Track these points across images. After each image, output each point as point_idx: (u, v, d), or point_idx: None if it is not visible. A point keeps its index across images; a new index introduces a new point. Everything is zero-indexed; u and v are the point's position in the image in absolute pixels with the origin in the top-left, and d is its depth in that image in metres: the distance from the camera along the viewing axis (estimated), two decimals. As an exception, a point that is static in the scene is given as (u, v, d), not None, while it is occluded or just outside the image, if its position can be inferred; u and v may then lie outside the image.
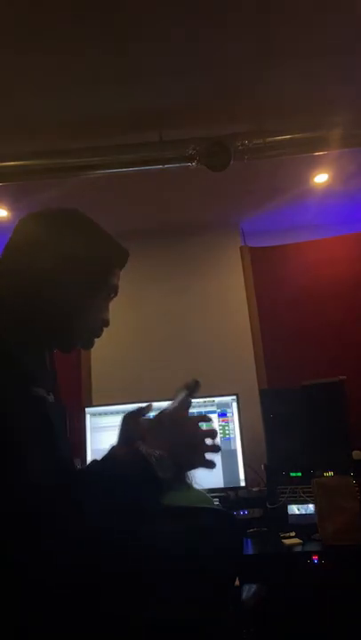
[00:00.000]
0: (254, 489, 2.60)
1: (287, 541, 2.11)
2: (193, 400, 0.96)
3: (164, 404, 0.97)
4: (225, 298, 3.26)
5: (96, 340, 1.04)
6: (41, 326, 0.95)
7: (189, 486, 1.70)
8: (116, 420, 1.23)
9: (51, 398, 0.93)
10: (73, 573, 0.74)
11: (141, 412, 1.01)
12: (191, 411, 0.96)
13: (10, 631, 0.71)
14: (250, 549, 2.12)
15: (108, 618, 0.84)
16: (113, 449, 0.88)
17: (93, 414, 2.64)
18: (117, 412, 2.54)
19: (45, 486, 0.73)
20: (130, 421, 0.99)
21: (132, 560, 0.83)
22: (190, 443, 0.87)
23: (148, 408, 1.03)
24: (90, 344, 1.03)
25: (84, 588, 0.78)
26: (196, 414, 0.95)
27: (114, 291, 1.05)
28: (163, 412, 0.92)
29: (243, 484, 2.54)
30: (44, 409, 0.87)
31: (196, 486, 1.73)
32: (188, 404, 0.94)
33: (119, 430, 1.00)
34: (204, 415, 0.96)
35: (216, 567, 1.29)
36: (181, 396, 0.95)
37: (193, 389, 0.97)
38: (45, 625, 0.73)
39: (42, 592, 0.72)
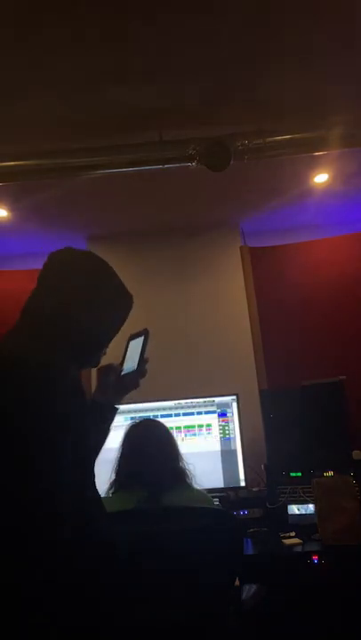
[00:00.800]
0: (254, 489, 2.60)
1: (287, 541, 2.11)
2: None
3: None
4: (225, 298, 3.26)
5: None
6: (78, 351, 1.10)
7: (189, 486, 1.70)
8: (117, 420, 1.26)
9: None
10: (73, 574, 0.74)
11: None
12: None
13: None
14: (250, 549, 2.12)
15: (107, 618, 0.84)
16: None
17: (93, 414, 2.64)
18: (117, 412, 2.54)
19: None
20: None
21: (132, 560, 0.83)
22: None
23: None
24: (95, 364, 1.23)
25: (83, 589, 0.78)
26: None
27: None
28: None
29: (243, 484, 2.54)
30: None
31: (196, 486, 1.73)
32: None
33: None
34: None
35: (216, 567, 1.29)
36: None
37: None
38: (46, 625, 0.73)
39: (42, 591, 0.72)
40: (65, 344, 1.04)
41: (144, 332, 1.24)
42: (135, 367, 1.22)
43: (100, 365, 1.25)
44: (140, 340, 1.24)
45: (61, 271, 1.13)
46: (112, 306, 1.16)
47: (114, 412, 1.29)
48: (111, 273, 1.17)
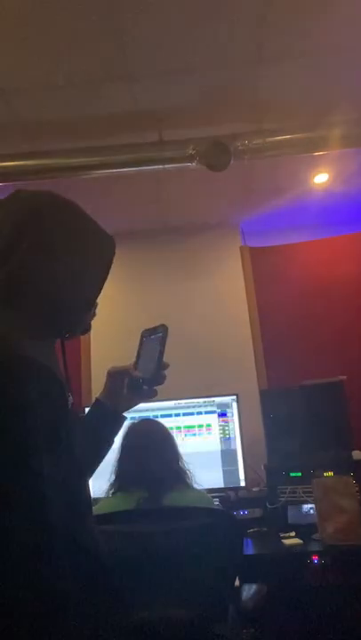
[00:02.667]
0: (254, 489, 2.60)
1: (287, 541, 2.11)
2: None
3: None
4: (225, 298, 3.26)
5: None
6: (56, 315, 0.89)
7: (189, 486, 1.70)
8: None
9: (71, 399, 0.91)
10: (70, 568, 0.74)
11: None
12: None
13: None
14: (250, 549, 2.12)
15: (107, 617, 0.84)
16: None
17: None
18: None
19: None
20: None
21: (132, 560, 0.83)
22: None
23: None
24: (88, 329, 1.01)
25: (82, 587, 0.78)
26: None
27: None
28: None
29: (243, 484, 2.54)
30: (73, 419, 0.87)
31: (196, 486, 1.73)
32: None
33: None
34: None
35: (216, 567, 1.29)
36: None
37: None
38: (45, 625, 0.72)
39: (42, 591, 0.72)
40: (25, 312, 0.84)
41: (162, 330, 1.02)
42: (152, 372, 1.00)
43: (112, 367, 1.08)
44: (158, 338, 1.02)
45: (12, 216, 0.87)
46: (90, 247, 0.92)
47: (121, 421, 1.09)
48: (77, 208, 0.94)
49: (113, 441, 1.09)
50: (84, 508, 0.84)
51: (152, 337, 1.05)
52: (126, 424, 1.91)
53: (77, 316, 0.94)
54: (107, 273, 0.95)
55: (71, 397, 0.90)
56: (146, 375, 1.01)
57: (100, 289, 0.95)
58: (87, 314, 0.96)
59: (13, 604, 0.67)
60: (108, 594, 0.83)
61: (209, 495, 1.80)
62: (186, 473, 1.73)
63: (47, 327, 0.88)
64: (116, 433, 1.09)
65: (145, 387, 1.01)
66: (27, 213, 0.88)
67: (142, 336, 1.07)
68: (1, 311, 0.84)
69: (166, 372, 1.01)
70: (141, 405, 1.13)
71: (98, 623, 0.80)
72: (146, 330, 1.07)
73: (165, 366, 1.00)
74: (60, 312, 0.88)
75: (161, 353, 1.00)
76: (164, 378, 1.01)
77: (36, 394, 0.73)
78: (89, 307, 0.95)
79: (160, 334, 1.02)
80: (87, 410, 1.10)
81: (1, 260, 0.84)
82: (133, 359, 1.07)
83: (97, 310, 1.00)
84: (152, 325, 1.06)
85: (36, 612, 0.69)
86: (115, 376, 1.07)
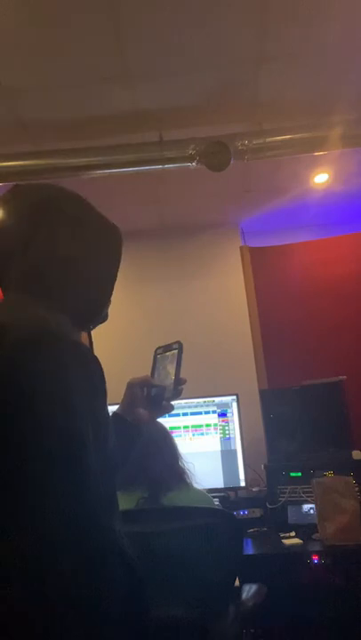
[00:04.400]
0: (254, 489, 2.60)
1: (287, 541, 2.11)
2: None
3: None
4: (225, 298, 3.26)
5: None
6: (75, 307, 0.89)
7: (190, 486, 1.70)
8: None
9: None
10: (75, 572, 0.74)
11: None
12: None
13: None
14: (250, 549, 2.12)
15: (107, 617, 0.84)
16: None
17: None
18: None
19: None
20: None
21: (132, 559, 0.82)
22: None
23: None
24: (106, 318, 1.02)
25: (83, 589, 0.78)
26: None
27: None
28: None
29: (243, 484, 2.54)
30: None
31: (196, 486, 1.73)
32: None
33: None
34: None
35: (216, 567, 1.29)
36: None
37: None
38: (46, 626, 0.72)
39: (43, 591, 0.72)
40: (61, 303, 0.85)
41: (177, 346, 1.04)
42: (170, 387, 1.01)
43: (132, 378, 1.07)
44: (174, 354, 1.04)
45: (31, 213, 0.87)
46: (104, 240, 0.93)
47: (140, 434, 1.06)
48: (85, 201, 0.94)
49: (131, 452, 1.07)
50: (115, 501, 0.82)
51: (166, 353, 1.06)
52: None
53: (100, 306, 0.96)
54: (119, 261, 0.96)
55: None
56: (162, 391, 1.02)
57: (114, 280, 0.96)
58: (107, 304, 0.98)
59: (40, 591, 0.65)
60: (133, 594, 0.83)
61: (209, 495, 1.79)
62: (186, 472, 1.73)
63: (75, 319, 0.89)
64: (134, 445, 1.07)
65: (163, 402, 1.02)
66: (38, 206, 0.88)
67: (156, 353, 1.09)
68: (31, 304, 0.84)
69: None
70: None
71: (97, 623, 0.80)
72: (159, 347, 1.09)
73: (183, 381, 1.01)
74: (87, 306, 0.91)
75: (178, 368, 1.01)
76: (181, 392, 1.01)
77: (84, 376, 0.74)
78: (109, 298, 0.97)
79: (175, 350, 1.04)
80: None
81: (21, 256, 0.85)
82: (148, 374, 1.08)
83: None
84: (167, 342, 1.08)
85: (69, 607, 0.67)
86: (135, 387, 1.05)
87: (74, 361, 0.75)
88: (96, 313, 0.96)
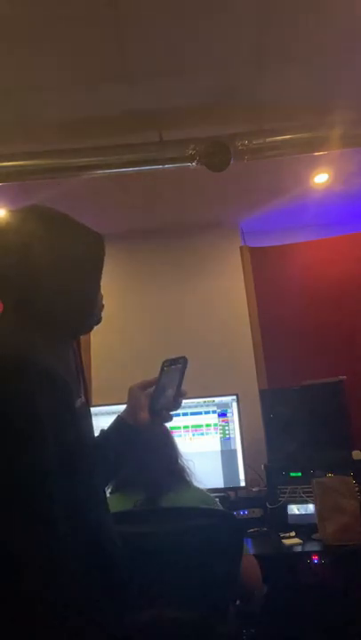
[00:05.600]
0: (254, 489, 2.60)
1: (287, 541, 2.11)
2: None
3: None
4: (225, 298, 3.26)
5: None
6: (63, 321, 0.97)
7: (189, 486, 1.70)
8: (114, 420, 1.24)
9: (79, 401, 0.96)
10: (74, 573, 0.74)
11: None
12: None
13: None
14: (250, 549, 2.12)
15: (107, 617, 0.84)
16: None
17: (93, 414, 2.63)
18: (117, 413, 2.54)
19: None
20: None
21: (132, 560, 0.83)
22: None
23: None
24: (100, 320, 1.10)
25: (84, 588, 0.78)
26: None
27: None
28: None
29: (243, 484, 2.54)
30: (82, 421, 0.92)
31: (196, 484, 1.73)
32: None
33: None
34: None
35: (216, 567, 1.29)
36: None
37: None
38: (45, 626, 0.73)
39: (44, 591, 0.72)
40: (37, 321, 0.92)
41: (182, 361, 1.13)
42: (170, 399, 1.11)
43: (133, 385, 1.17)
44: (178, 368, 1.13)
45: (10, 235, 0.98)
46: (83, 250, 0.99)
47: (139, 434, 1.15)
48: (63, 215, 1.02)
49: (130, 453, 1.18)
50: (101, 506, 0.92)
51: (172, 367, 1.15)
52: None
53: (87, 313, 1.02)
54: (101, 270, 1.03)
55: (82, 397, 0.94)
56: (164, 401, 1.12)
57: (99, 285, 1.04)
58: (95, 309, 1.04)
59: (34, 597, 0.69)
60: (122, 594, 0.83)
61: (210, 495, 1.79)
62: (185, 471, 1.72)
63: (61, 330, 0.97)
64: (132, 445, 1.16)
65: (164, 411, 1.12)
66: (23, 235, 0.97)
67: (163, 365, 1.17)
68: (16, 323, 0.92)
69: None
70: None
71: (97, 623, 0.80)
72: (167, 360, 1.17)
73: (183, 394, 1.11)
74: (70, 315, 0.97)
75: (180, 382, 1.11)
76: (180, 404, 1.12)
77: (49, 405, 0.79)
78: (94, 304, 1.03)
79: (180, 365, 1.13)
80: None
81: (13, 281, 0.94)
82: (154, 387, 1.16)
83: (103, 301, 1.08)
84: (174, 356, 1.16)
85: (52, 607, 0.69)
86: (134, 392, 1.15)
87: (40, 389, 0.79)
88: (84, 322, 1.03)
